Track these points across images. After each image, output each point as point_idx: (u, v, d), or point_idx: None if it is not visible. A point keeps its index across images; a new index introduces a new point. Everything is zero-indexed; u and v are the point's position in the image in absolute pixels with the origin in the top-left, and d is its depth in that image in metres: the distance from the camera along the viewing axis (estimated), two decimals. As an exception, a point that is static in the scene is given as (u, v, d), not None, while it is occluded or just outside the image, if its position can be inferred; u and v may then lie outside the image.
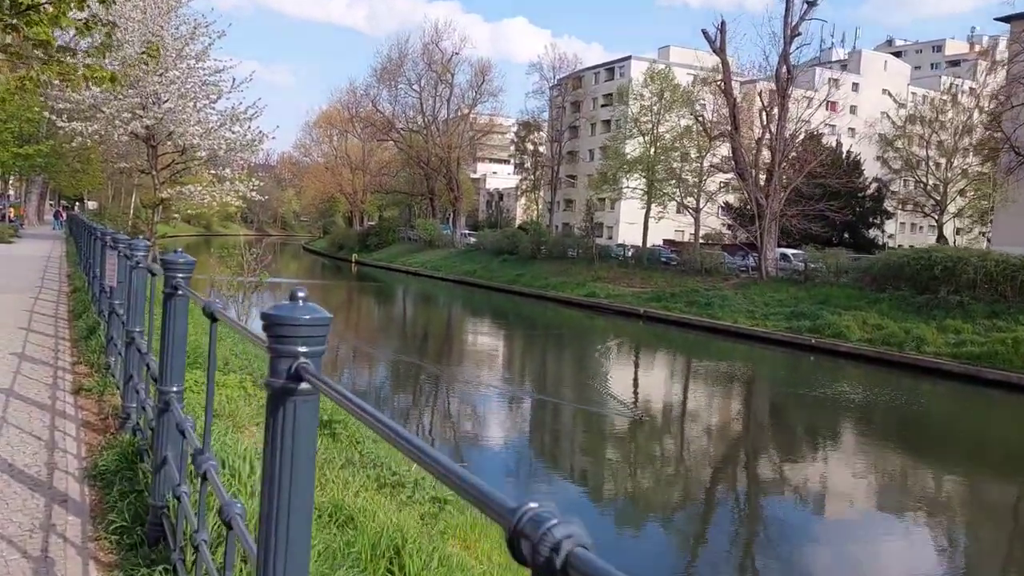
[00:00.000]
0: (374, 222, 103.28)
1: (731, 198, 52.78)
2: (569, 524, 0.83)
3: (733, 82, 41.82)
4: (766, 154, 40.01)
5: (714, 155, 44.82)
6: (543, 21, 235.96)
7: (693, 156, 44.75)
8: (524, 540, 0.84)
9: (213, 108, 28.70)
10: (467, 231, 76.74)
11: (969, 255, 28.25)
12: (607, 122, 75.55)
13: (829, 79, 67.73)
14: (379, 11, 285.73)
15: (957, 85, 74.68)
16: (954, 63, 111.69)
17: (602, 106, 75.72)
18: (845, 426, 19.62)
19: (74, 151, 48.16)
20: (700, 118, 42.55)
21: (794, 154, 37.37)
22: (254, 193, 30.09)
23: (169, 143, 29.85)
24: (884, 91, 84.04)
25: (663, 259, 48.61)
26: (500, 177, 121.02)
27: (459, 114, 76.12)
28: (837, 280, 34.04)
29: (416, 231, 75.77)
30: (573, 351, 31.80)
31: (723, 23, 39.72)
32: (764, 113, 39.72)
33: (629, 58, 72.81)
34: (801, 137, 39.05)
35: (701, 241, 67.57)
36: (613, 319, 40.06)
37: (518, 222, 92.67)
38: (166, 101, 27.68)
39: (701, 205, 46.12)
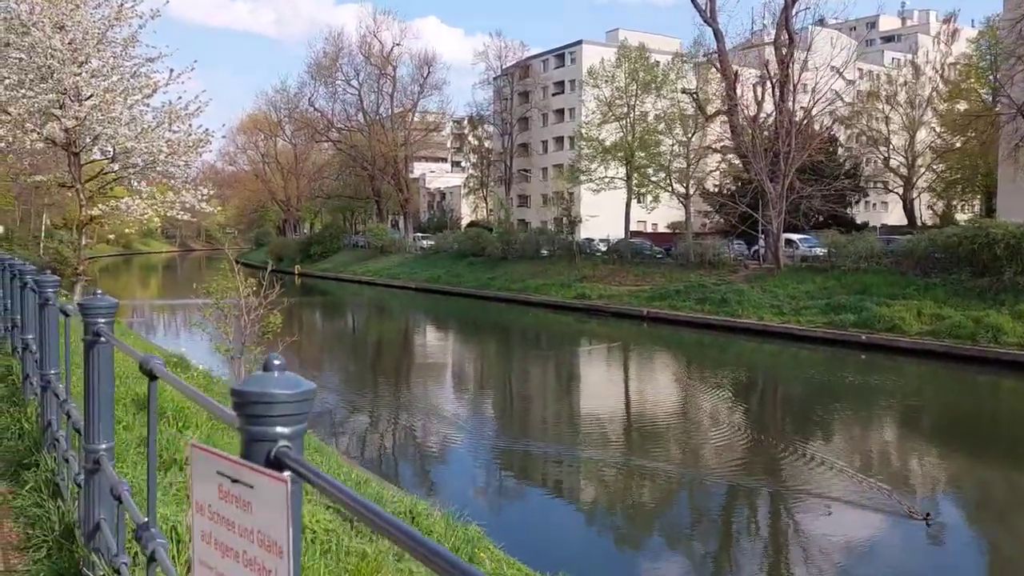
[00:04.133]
0: (307, 230, 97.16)
1: (710, 184, 49.58)
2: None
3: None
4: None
5: (704, 136, 41.41)
6: (454, 19, 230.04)
7: (679, 139, 41.13)
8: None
9: (147, 104, 23.61)
10: (419, 234, 71.86)
11: (1036, 230, 25.24)
12: (560, 111, 71.81)
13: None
14: (286, 15, 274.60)
15: (910, 59, 73.82)
16: (888, 39, 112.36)
17: (553, 95, 71.84)
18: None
19: (-27, 169, 41.55)
20: (695, 95, 38.94)
21: (805, 128, 33.96)
22: (203, 204, 25.22)
23: (96, 149, 24.62)
24: (833, 68, 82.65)
25: (647, 252, 45.01)
26: (439, 176, 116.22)
27: (403, 109, 71.12)
28: (868, 266, 30.81)
29: (365, 237, 70.44)
30: (582, 367, 27.70)
31: (712, -11, 36.20)
32: (763, 87, 36.34)
33: (580, 43, 69.09)
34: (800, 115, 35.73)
35: (669, 231, 64.62)
36: (611, 323, 36.17)
37: (465, 222, 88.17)
38: (89, 97, 22.46)
39: (691, 191, 42.55)
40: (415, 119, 74.64)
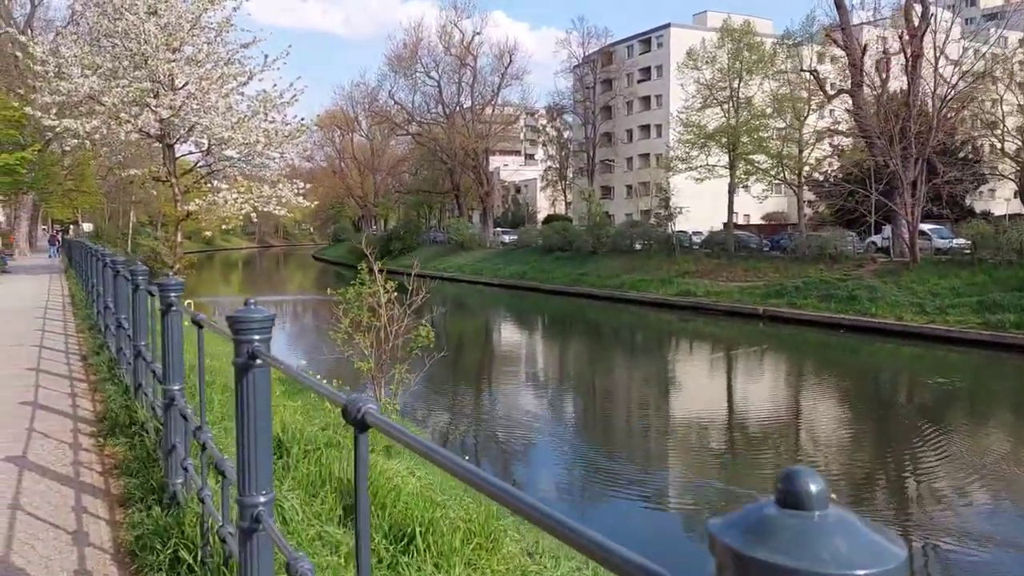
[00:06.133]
0: (383, 226, 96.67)
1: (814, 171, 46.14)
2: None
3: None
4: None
5: (822, 118, 38.27)
6: (520, 14, 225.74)
7: (790, 122, 38.03)
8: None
9: (242, 93, 22.25)
10: (499, 229, 70.07)
11: None
12: (646, 98, 68.94)
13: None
14: (354, 14, 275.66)
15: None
16: (991, 16, 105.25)
17: (639, 81, 69.00)
18: None
19: (65, 169, 41.68)
20: (813, 72, 35.79)
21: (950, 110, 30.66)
22: (300, 198, 23.82)
23: (190, 141, 23.40)
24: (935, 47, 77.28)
25: (753, 245, 42.08)
26: (513, 169, 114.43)
27: (483, 100, 69.35)
28: (1020, 259, 27.45)
29: (444, 232, 69.10)
30: (712, 373, 25.30)
31: (834, -44, 33.03)
32: (887, 64, 33.09)
33: (668, 26, 66.08)
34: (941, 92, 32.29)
35: (765, 222, 61.14)
36: (721, 322, 33.54)
37: (541, 215, 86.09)
38: (183, 85, 21.18)
39: (804, 179, 39.37)
40: (495, 110, 72.86)
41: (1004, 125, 60.69)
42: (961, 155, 54.84)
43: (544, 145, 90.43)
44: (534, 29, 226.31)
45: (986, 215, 51.03)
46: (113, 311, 7.84)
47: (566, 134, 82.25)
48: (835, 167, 44.97)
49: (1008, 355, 23.67)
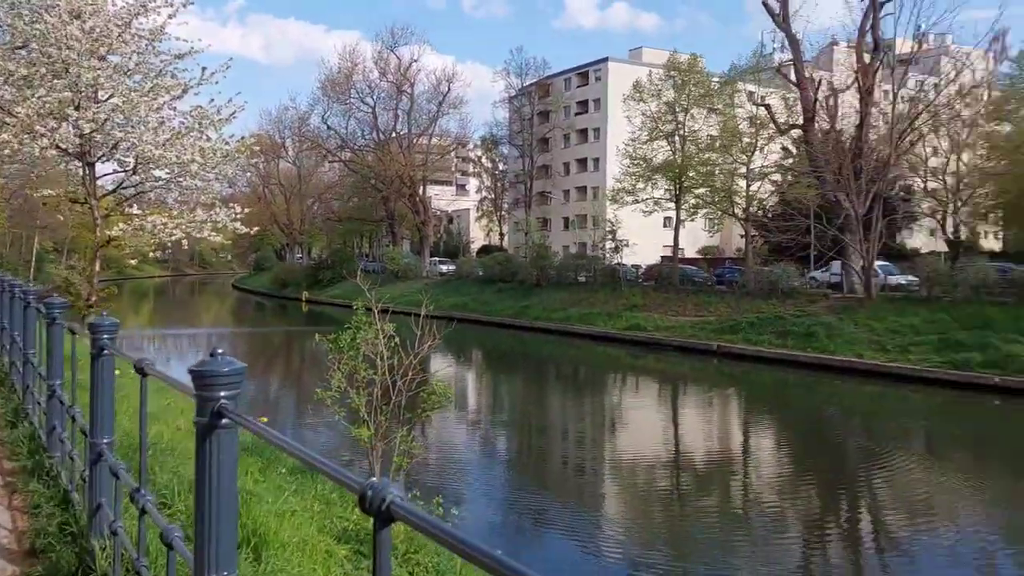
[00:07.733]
0: (309, 254, 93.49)
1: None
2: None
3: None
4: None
5: (768, 154, 38.22)
6: (446, 48, 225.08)
7: (737, 157, 37.91)
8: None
9: (174, 108, 20.08)
10: (436, 259, 68.25)
11: None
12: (583, 131, 68.75)
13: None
14: (275, 40, 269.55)
15: (935, 82, 71.19)
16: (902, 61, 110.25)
17: (576, 114, 68.78)
18: None
19: (-37, 187, 37.90)
20: (767, 106, 35.70)
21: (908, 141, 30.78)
22: (237, 223, 21.71)
23: (114, 160, 20.99)
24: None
25: (699, 279, 41.61)
26: (444, 199, 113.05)
27: (419, 128, 67.85)
28: (978, 297, 27.45)
29: (379, 261, 66.84)
30: (693, 418, 24.17)
31: (785, -9, 33.14)
32: (835, 99, 33.21)
33: (606, 60, 66.22)
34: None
35: (700, 255, 61.25)
36: (673, 358, 32.60)
37: (475, 246, 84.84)
38: (109, 97, 18.91)
39: (750, 213, 39.16)
40: (431, 139, 71.45)
41: (927, 165, 62.90)
42: (893, 192, 56.29)
43: (478, 176, 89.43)
44: (460, 62, 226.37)
45: (916, 252, 52.29)
46: (35, 369, 5.87)
47: (501, 165, 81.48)
48: (774, 203, 45.26)
49: (973, 395, 23.30)
